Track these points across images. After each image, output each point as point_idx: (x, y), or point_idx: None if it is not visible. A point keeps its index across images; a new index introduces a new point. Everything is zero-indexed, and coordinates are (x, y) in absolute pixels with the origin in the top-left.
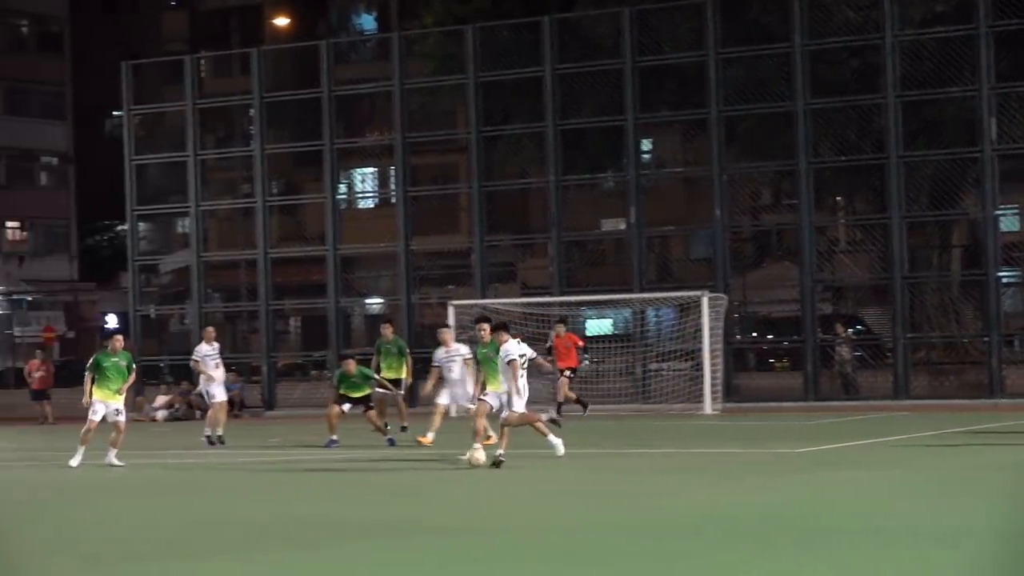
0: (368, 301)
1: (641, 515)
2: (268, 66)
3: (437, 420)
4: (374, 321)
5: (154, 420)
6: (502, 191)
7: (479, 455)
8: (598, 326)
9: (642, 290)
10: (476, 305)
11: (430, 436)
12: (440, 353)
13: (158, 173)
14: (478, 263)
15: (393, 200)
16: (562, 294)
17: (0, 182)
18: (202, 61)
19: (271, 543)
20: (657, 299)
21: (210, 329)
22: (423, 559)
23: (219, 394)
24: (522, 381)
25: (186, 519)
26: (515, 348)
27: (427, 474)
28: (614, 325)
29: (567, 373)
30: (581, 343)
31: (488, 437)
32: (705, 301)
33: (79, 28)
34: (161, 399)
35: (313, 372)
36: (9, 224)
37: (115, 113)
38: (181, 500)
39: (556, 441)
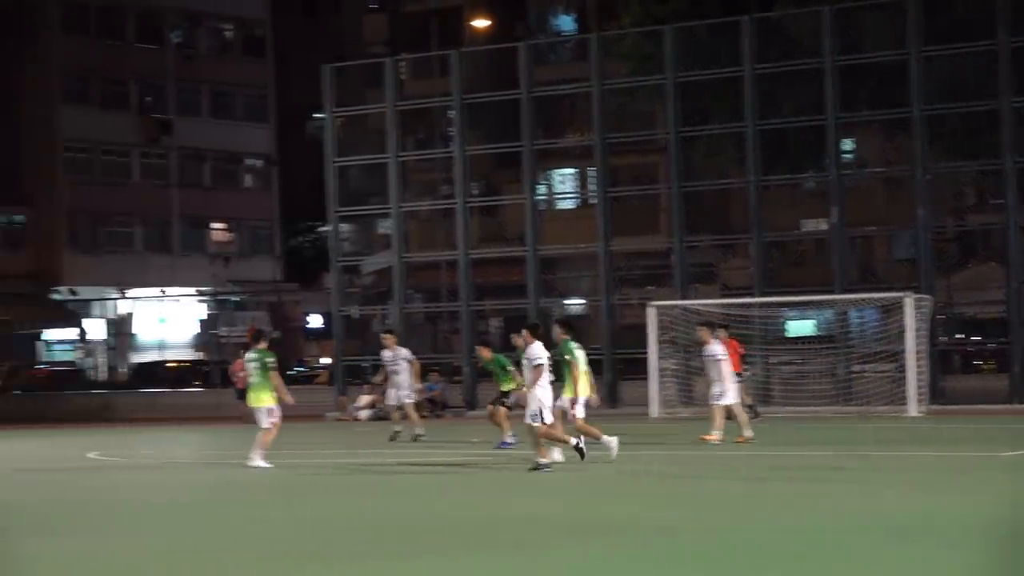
0: (568, 301)
1: (842, 517)
2: (467, 68)
3: (718, 418)
4: (574, 322)
5: (357, 420)
6: (701, 191)
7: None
8: (799, 327)
9: (844, 291)
10: (676, 306)
11: (716, 435)
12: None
13: (359, 175)
14: (678, 264)
15: (592, 201)
16: (763, 295)
17: (206, 184)
18: (402, 63)
19: (475, 543)
20: (860, 300)
21: (386, 336)
22: (644, 559)
23: (390, 398)
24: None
25: (386, 518)
26: (542, 352)
27: (621, 473)
28: (816, 326)
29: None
30: (742, 350)
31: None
32: (909, 302)
33: (282, 31)
34: (364, 399)
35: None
36: (215, 225)
37: (317, 115)
38: (382, 499)
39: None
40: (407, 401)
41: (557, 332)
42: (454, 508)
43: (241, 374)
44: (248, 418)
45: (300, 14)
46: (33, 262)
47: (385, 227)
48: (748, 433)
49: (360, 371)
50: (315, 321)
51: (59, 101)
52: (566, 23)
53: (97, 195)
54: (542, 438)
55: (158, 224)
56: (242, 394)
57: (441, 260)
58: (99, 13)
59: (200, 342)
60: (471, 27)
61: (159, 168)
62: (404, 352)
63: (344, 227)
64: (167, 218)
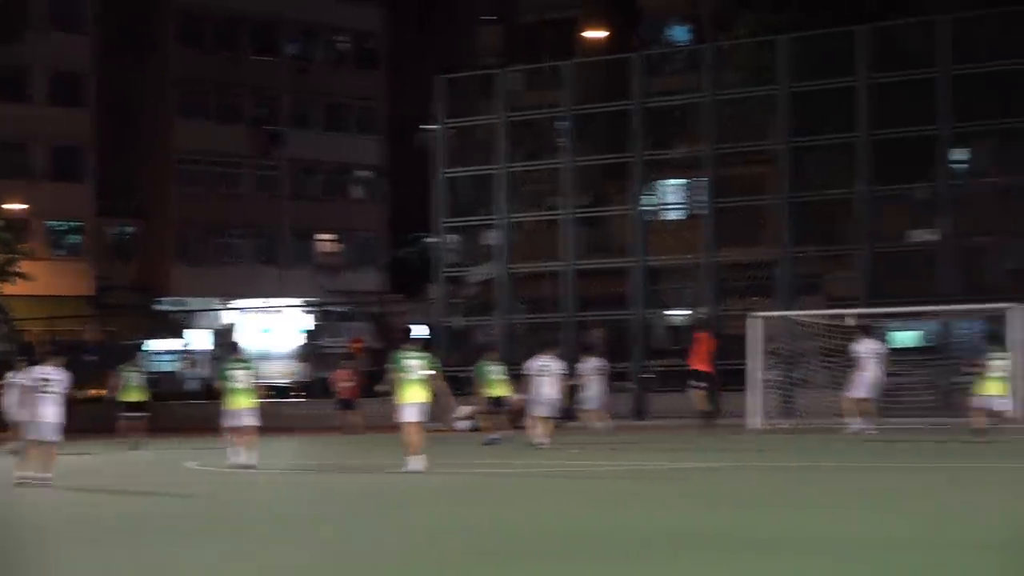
0: (672, 313)
1: (936, 529)
2: (580, 78)
3: None
4: (678, 333)
5: (454, 431)
6: (809, 202)
7: None
8: (904, 338)
9: (951, 302)
10: (780, 317)
11: None
12: None
13: (468, 186)
14: (783, 274)
15: (700, 211)
16: (868, 305)
17: (316, 195)
18: (514, 74)
19: (576, 553)
20: (966, 311)
21: None
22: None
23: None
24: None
25: (487, 525)
26: None
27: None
28: (921, 337)
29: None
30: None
31: None
32: (1019, 314)
33: (395, 43)
34: (464, 409)
35: (615, 383)
36: (323, 237)
37: (428, 127)
38: (478, 507)
39: None
40: None
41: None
42: (554, 515)
43: (344, 384)
44: (348, 429)
45: (414, 26)
46: (141, 273)
47: (492, 238)
48: None
49: (461, 382)
50: (419, 332)
51: (174, 113)
52: (680, 33)
53: (208, 207)
54: None
55: (267, 236)
56: (344, 403)
57: (546, 271)
58: (215, 26)
59: (304, 353)
60: (584, 38)
61: (270, 180)
62: None
63: (451, 238)
64: (276, 230)
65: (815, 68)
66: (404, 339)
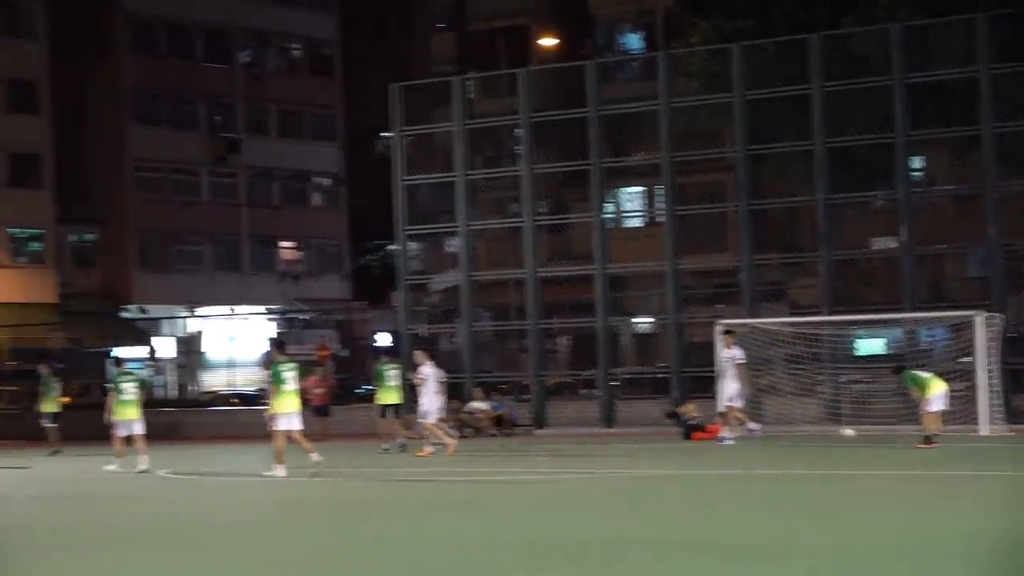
0: (636, 320)
1: (905, 537)
2: (535, 86)
3: None
4: (643, 340)
5: (423, 438)
6: (770, 209)
7: None
8: (869, 346)
9: (913, 309)
10: (745, 324)
11: None
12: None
13: (427, 193)
14: (746, 282)
15: (660, 219)
16: (831, 313)
17: (274, 203)
18: (470, 82)
19: (559, 562)
20: (929, 318)
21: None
22: None
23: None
24: None
25: (470, 536)
26: None
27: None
28: (886, 345)
29: None
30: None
31: None
32: (980, 321)
33: (350, 51)
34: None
35: (582, 391)
36: (284, 244)
37: (385, 135)
38: (470, 516)
39: None
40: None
41: (273, 353)
42: (535, 525)
43: (317, 391)
44: (323, 435)
45: (369, 33)
46: (104, 280)
47: (453, 245)
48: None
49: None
50: (383, 339)
51: (129, 120)
52: (633, 41)
53: (167, 214)
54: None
55: (227, 243)
56: (318, 410)
57: (509, 278)
58: (168, 32)
59: (269, 360)
60: (538, 45)
61: (228, 187)
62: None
63: (412, 246)
64: (236, 237)
65: (770, 75)
66: (278, 350)
